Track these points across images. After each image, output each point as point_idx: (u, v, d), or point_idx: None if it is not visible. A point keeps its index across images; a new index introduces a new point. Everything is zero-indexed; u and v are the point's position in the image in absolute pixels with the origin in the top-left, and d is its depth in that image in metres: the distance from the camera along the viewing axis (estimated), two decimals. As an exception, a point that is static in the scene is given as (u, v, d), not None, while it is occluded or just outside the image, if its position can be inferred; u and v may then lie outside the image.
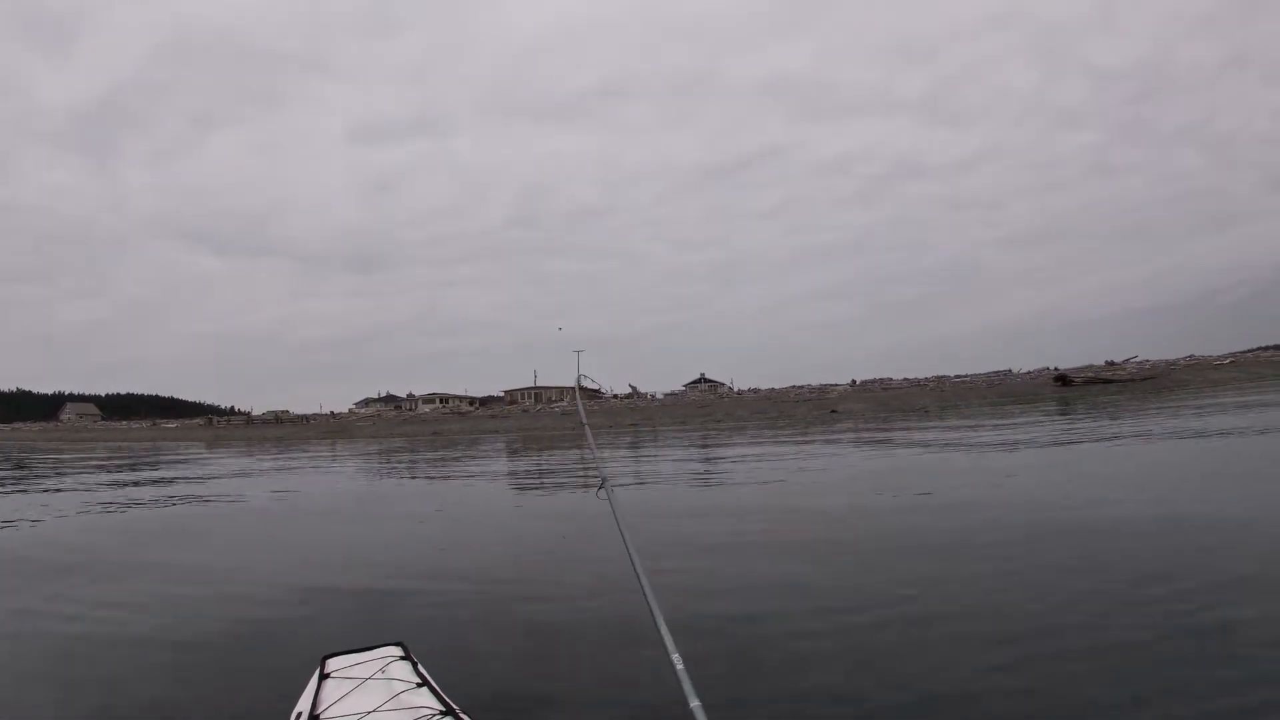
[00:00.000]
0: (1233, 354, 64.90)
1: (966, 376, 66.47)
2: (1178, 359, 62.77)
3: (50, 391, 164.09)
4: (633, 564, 2.35)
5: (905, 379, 66.93)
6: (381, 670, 2.53)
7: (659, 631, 2.01)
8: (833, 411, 43.10)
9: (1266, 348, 72.84)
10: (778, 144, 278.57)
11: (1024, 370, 67.14)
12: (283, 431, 59.69)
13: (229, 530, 10.67)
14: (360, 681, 2.44)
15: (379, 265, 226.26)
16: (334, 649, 2.83)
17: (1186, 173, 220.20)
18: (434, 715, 2.07)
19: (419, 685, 2.39)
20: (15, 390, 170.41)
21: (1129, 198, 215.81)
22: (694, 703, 1.74)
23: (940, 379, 64.99)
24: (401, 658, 2.68)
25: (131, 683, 4.21)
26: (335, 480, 18.70)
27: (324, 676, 2.57)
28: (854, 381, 67.22)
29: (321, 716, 2.18)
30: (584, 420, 4.22)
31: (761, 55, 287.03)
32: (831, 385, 64.64)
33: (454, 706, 2.20)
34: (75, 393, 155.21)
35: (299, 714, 2.28)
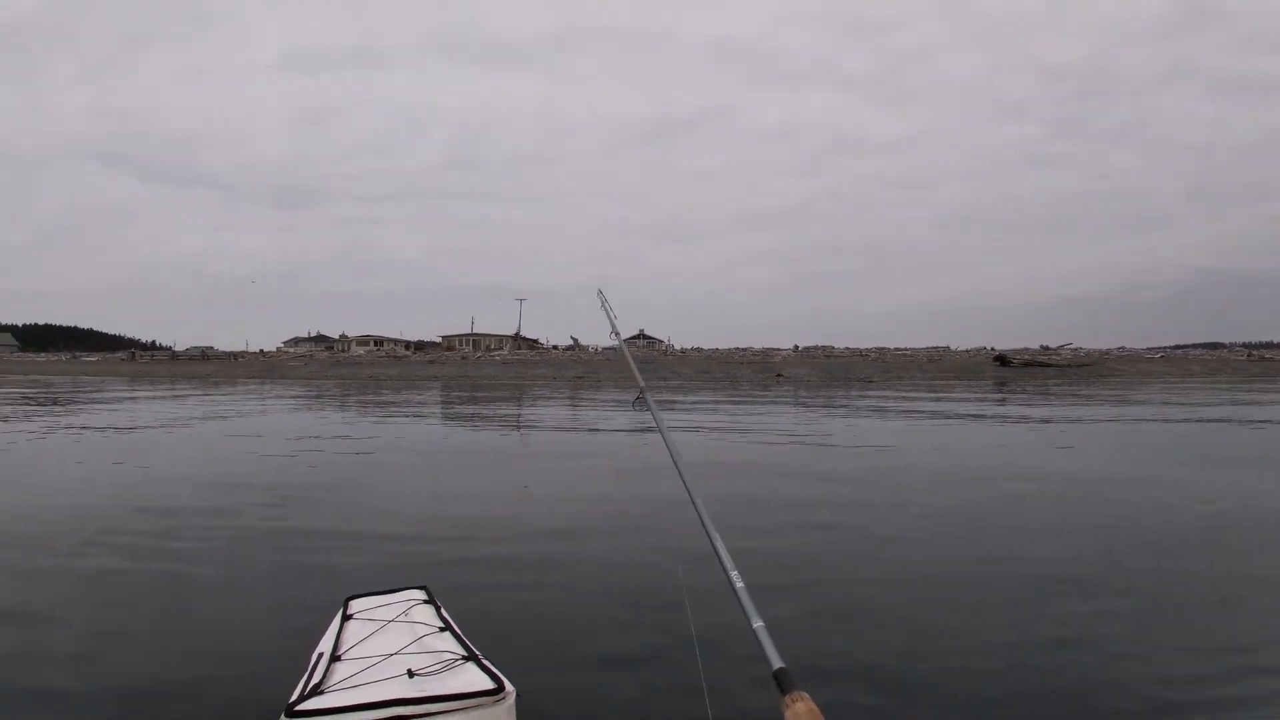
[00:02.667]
0: (1162, 349, 67.73)
1: (907, 349, 67.39)
2: (1110, 349, 64.91)
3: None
4: (682, 480, 2.19)
5: (847, 348, 67.73)
6: (405, 613, 2.53)
7: (714, 549, 1.89)
8: (778, 376, 43.37)
9: (1195, 345, 76.63)
10: (724, 106, 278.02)
11: (961, 348, 68.95)
12: (210, 369, 57.92)
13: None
14: (383, 624, 2.44)
15: (305, 200, 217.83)
16: (357, 591, 2.83)
17: (1117, 172, 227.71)
18: (455, 659, 2.05)
19: (441, 629, 2.39)
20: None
21: (1058, 191, 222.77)
22: (757, 623, 1.64)
23: (882, 350, 65.88)
24: (425, 601, 2.68)
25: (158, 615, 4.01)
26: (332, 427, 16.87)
27: (347, 618, 2.57)
28: (796, 346, 67.97)
29: (343, 657, 2.18)
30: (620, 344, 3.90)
31: (712, 15, 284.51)
32: (775, 349, 65.14)
33: (476, 651, 2.18)
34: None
35: (320, 654, 2.26)
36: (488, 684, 1.92)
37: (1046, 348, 61.62)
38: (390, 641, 2.26)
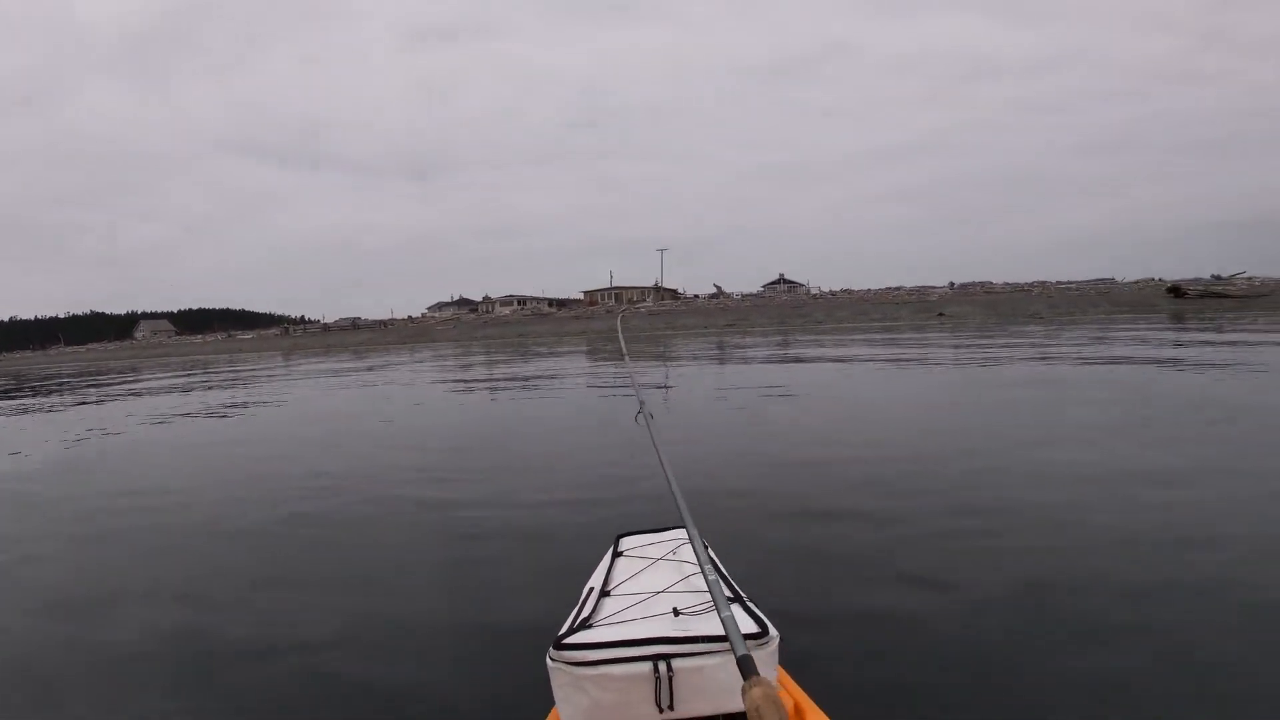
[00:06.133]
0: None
1: (1071, 283, 63.68)
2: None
3: (123, 311, 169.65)
4: (670, 488, 2.24)
5: (1006, 283, 64.57)
6: (672, 551, 2.55)
7: (690, 537, 2.01)
8: (940, 314, 41.67)
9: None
10: (844, 41, 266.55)
11: (1127, 280, 65.01)
12: (361, 338, 60.46)
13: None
14: (651, 561, 2.49)
15: (435, 171, 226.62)
16: (626, 529, 2.89)
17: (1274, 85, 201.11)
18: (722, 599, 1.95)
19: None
20: (89, 313, 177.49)
21: (1209, 109, 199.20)
22: (724, 613, 1.66)
23: (1044, 284, 62.52)
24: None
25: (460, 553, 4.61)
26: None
27: (617, 554, 2.63)
28: (952, 284, 66.04)
29: (612, 592, 2.26)
30: (621, 338, 4.55)
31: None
32: (929, 287, 63.39)
33: (741, 593, 2.16)
34: (149, 311, 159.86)
35: (591, 588, 2.33)
36: (752, 627, 1.88)
37: (1218, 277, 57.03)
38: (657, 579, 2.30)
